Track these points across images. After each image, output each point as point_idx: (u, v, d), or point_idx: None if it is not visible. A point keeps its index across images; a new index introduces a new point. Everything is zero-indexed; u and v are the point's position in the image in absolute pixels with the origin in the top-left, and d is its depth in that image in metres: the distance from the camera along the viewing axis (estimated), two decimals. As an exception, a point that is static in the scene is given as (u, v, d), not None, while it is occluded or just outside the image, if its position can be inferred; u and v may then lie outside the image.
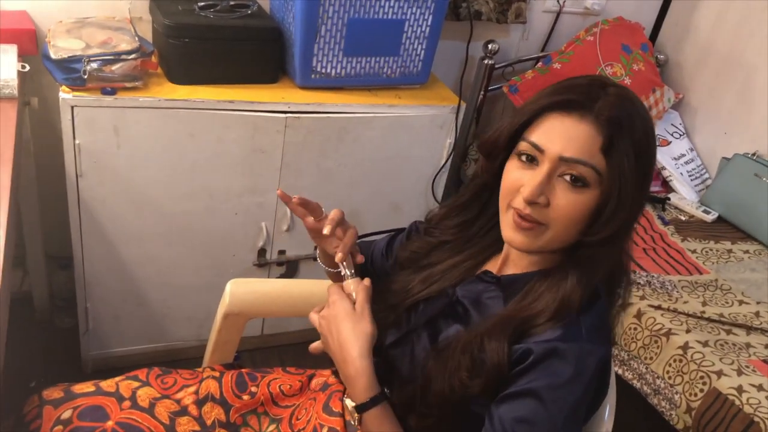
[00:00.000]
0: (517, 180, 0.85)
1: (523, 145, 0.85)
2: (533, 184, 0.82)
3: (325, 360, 1.17)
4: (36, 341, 1.95)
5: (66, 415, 0.97)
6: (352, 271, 0.97)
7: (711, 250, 2.04)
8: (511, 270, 0.95)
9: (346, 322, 0.89)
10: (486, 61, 2.16)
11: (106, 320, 1.81)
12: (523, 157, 0.85)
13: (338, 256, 0.96)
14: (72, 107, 1.48)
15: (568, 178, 0.82)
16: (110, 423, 0.97)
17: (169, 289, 1.83)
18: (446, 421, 0.88)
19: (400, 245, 1.13)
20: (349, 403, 0.88)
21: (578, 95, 0.82)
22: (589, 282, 0.84)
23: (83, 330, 1.81)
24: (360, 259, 1.00)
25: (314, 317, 0.95)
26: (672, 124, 2.45)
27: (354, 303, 0.92)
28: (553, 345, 0.81)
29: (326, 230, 0.96)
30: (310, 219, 1.01)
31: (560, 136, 0.82)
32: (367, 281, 0.95)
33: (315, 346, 0.95)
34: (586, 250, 0.85)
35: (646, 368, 1.62)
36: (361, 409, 0.86)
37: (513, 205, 0.86)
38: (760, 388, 1.46)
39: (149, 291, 1.81)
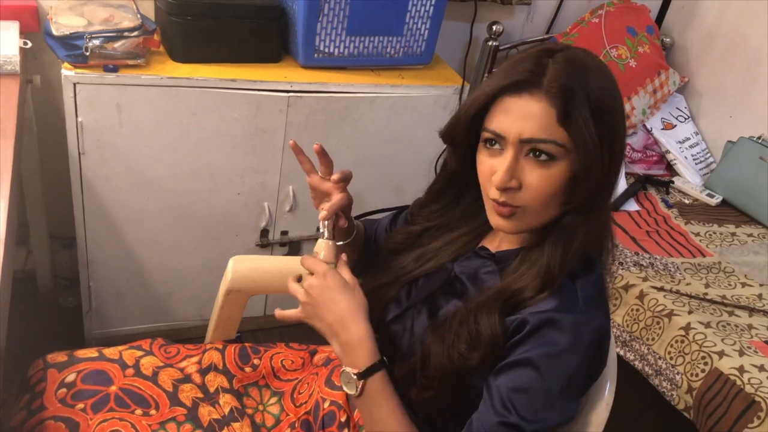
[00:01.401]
0: (490, 168, 0.85)
1: (485, 134, 0.85)
2: (501, 171, 0.82)
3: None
4: (39, 320, 1.96)
5: (70, 378, 0.98)
6: (331, 235, 0.95)
7: (714, 233, 2.04)
8: (506, 245, 0.95)
9: (343, 292, 0.88)
10: (490, 43, 2.14)
11: (109, 299, 1.82)
12: (488, 144, 0.85)
13: (322, 215, 0.95)
14: (74, 84, 1.48)
15: (533, 155, 0.82)
16: (113, 387, 0.98)
17: (171, 268, 1.83)
18: (446, 393, 0.89)
19: (403, 221, 1.13)
20: (350, 370, 0.86)
21: (524, 74, 0.81)
22: (566, 250, 0.84)
23: (86, 309, 1.81)
24: (343, 222, 0.99)
25: (296, 287, 0.91)
26: (677, 108, 2.44)
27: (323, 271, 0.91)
28: (549, 315, 0.81)
29: (334, 177, 0.95)
30: (316, 176, 0.99)
31: (516, 118, 0.81)
32: (343, 256, 0.94)
33: (288, 314, 0.91)
34: (564, 220, 0.85)
35: (648, 349, 1.62)
36: (365, 374, 0.85)
37: (490, 195, 0.86)
38: (761, 368, 1.46)
39: (152, 270, 1.81)
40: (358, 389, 0.85)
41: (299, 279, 0.93)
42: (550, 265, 0.83)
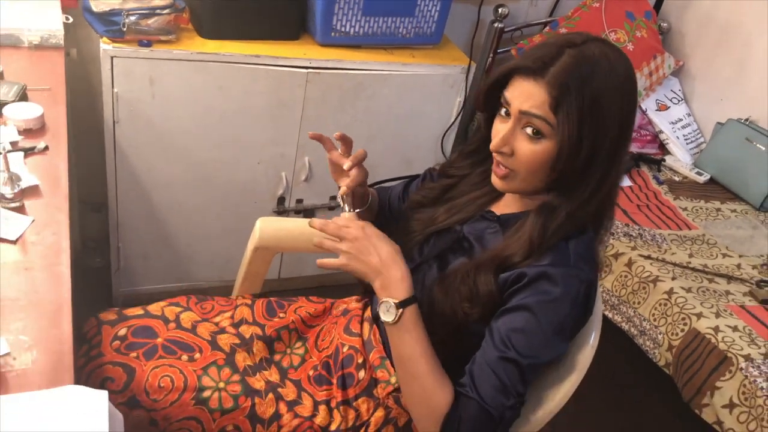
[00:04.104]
0: (496, 131, 1.00)
1: (502, 100, 0.99)
2: (499, 136, 0.98)
3: (340, 293, 1.30)
4: (72, 279, 2.09)
5: (122, 332, 1.11)
6: (351, 208, 1.11)
7: (701, 208, 2.18)
8: (509, 209, 1.09)
9: (383, 239, 1.01)
10: (496, 25, 2.26)
11: (136, 260, 1.96)
12: (503, 111, 1.00)
13: (342, 190, 1.11)
14: (112, 58, 1.60)
15: (528, 130, 0.95)
16: (160, 339, 1.11)
17: (194, 232, 1.96)
18: (449, 339, 1.03)
19: (414, 192, 1.27)
20: (392, 301, 0.97)
21: (536, 62, 0.93)
22: (546, 226, 0.97)
23: (115, 268, 1.95)
24: (358, 191, 1.15)
25: (333, 228, 1.02)
26: (671, 90, 2.56)
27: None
28: (545, 269, 0.95)
29: (346, 165, 1.11)
30: (336, 153, 1.15)
31: (521, 94, 0.95)
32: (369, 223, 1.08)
33: (329, 262, 1.02)
34: (548, 198, 0.99)
35: (634, 312, 1.77)
36: (403, 304, 0.97)
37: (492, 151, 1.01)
38: (735, 329, 1.61)
39: (176, 233, 1.95)
40: (397, 316, 0.97)
41: None
42: (531, 238, 0.97)
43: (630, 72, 0.97)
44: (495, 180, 1.03)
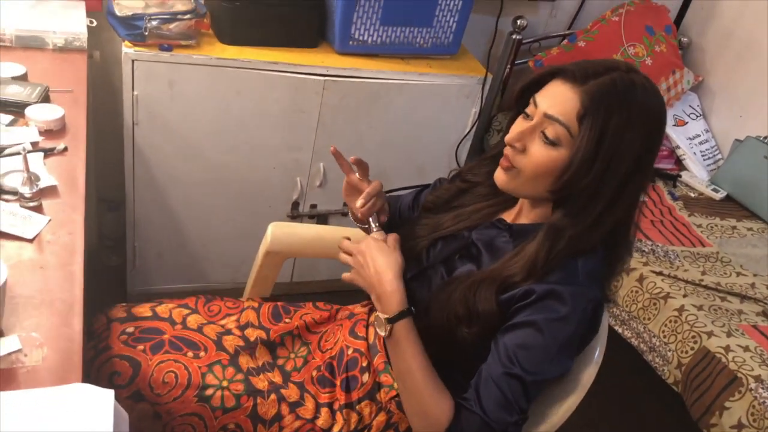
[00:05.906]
0: (515, 128, 1.01)
1: (531, 100, 1.00)
2: (517, 130, 0.99)
3: (349, 300, 1.32)
4: (86, 276, 2.12)
5: (130, 329, 1.14)
6: (378, 224, 1.16)
7: (716, 225, 2.16)
8: (522, 220, 1.09)
9: (381, 253, 1.06)
10: (514, 36, 2.26)
11: (151, 259, 1.99)
12: (527, 111, 1.00)
13: (362, 213, 1.15)
14: (133, 61, 1.63)
15: (547, 133, 0.95)
16: (167, 336, 1.13)
17: (209, 233, 1.99)
18: (448, 347, 1.04)
19: (428, 194, 1.28)
20: (382, 316, 1.03)
21: (581, 71, 0.94)
22: (551, 249, 0.97)
23: (131, 267, 1.98)
24: (383, 218, 1.19)
25: (348, 244, 1.11)
26: (690, 105, 2.54)
27: (385, 242, 1.09)
28: (552, 287, 0.95)
29: (359, 203, 1.13)
30: (354, 177, 1.17)
31: (553, 96, 0.96)
32: (395, 234, 1.12)
33: (347, 276, 1.11)
34: (554, 217, 0.99)
35: (644, 328, 1.76)
36: (393, 319, 1.01)
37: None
38: (746, 349, 1.60)
39: (191, 235, 1.98)
40: (387, 331, 1.02)
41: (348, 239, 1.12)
42: (535, 260, 0.97)
43: (662, 116, 0.97)
44: (498, 173, 1.03)
